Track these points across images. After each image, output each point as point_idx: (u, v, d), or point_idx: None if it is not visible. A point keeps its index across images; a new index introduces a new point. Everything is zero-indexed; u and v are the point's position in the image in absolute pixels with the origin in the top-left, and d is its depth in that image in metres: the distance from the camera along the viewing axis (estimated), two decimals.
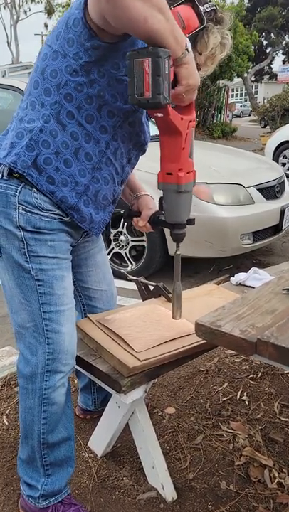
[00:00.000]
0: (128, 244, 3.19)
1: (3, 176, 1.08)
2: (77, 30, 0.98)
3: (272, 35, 30.29)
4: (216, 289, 1.69)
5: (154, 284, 1.61)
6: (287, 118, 13.64)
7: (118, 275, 2.85)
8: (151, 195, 1.39)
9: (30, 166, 1.06)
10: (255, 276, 1.67)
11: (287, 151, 7.70)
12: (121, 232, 3.22)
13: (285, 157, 7.73)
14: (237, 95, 42.56)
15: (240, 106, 34.40)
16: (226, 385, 1.92)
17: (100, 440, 1.50)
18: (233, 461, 1.50)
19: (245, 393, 1.86)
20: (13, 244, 1.11)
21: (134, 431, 1.38)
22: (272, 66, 35.87)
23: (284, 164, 7.59)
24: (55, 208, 1.10)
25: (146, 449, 1.36)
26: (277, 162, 7.34)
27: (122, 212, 2.98)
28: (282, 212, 3.27)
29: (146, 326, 1.36)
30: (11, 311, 1.18)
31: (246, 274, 1.71)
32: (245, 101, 36.36)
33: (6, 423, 1.69)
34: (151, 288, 1.62)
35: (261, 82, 38.61)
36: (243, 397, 1.83)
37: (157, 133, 1.06)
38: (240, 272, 1.79)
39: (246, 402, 1.80)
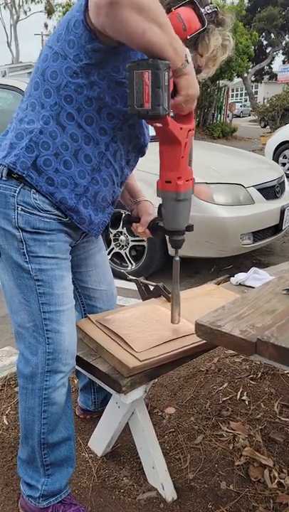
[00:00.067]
0: (128, 244, 3.19)
1: (2, 176, 1.08)
2: (78, 32, 0.98)
3: (272, 35, 30.28)
4: (216, 289, 1.69)
5: (154, 284, 1.61)
6: (287, 118, 13.64)
7: (118, 275, 2.85)
8: (150, 201, 1.40)
9: (30, 167, 1.06)
10: (255, 276, 1.67)
11: (287, 151, 7.70)
12: (121, 232, 3.22)
13: (285, 157, 7.73)
14: (237, 95, 42.56)
15: (240, 106, 34.40)
16: (226, 385, 1.92)
17: (100, 440, 1.50)
18: (233, 461, 1.50)
19: (245, 393, 1.86)
20: (12, 245, 1.11)
21: (134, 431, 1.38)
22: (272, 66, 35.87)
23: (284, 164, 7.59)
24: (54, 208, 1.10)
25: (146, 449, 1.36)
26: (277, 162, 7.34)
27: (122, 212, 3.00)
28: (282, 212, 3.27)
29: (146, 326, 1.36)
30: (11, 311, 1.18)
31: (246, 274, 1.71)
32: (245, 101, 36.36)
33: (6, 423, 1.69)
34: (151, 288, 1.62)
35: (261, 82, 38.61)
36: (243, 397, 1.83)
37: None
38: (240, 272, 1.79)
39: (246, 402, 1.80)
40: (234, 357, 2.13)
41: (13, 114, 1.16)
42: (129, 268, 3.20)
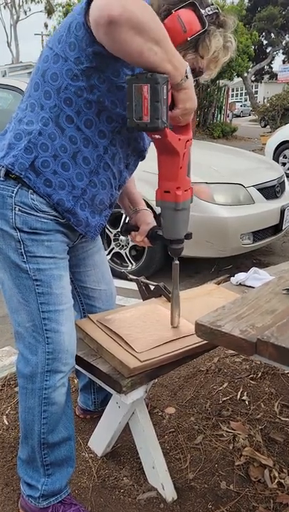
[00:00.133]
0: (128, 244, 3.19)
1: (0, 176, 1.08)
2: (79, 35, 0.98)
3: (273, 35, 30.24)
4: (216, 288, 1.69)
5: (154, 283, 1.61)
6: (287, 118, 13.65)
7: (118, 275, 2.85)
8: (150, 210, 1.40)
9: (28, 169, 1.06)
10: (255, 276, 1.67)
11: (288, 150, 7.70)
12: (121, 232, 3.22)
13: (285, 157, 7.73)
14: (237, 95, 42.54)
15: (241, 105, 34.39)
16: (226, 384, 1.92)
17: (100, 440, 1.50)
18: (233, 461, 1.50)
19: (245, 393, 1.86)
20: (10, 245, 1.11)
21: (134, 431, 1.38)
22: (272, 66, 35.86)
23: (284, 164, 7.58)
24: (52, 209, 1.10)
25: (146, 449, 1.36)
26: (278, 162, 7.34)
27: (122, 212, 3.00)
28: (283, 212, 3.27)
29: (146, 326, 1.36)
30: (11, 310, 1.18)
31: (246, 274, 1.71)
32: (246, 100, 36.33)
33: (6, 423, 1.69)
34: (152, 288, 1.62)
35: (261, 82, 38.58)
36: (243, 397, 1.83)
37: None
38: (241, 271, 1.79)
39: (246, 402, 1.80)
40: (234, 357, 2.13)
41: (13, 114, 1.16)
42: (129, 268, 3.20)
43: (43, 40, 27.83)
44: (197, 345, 1.28)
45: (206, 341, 1.07)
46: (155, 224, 1.34)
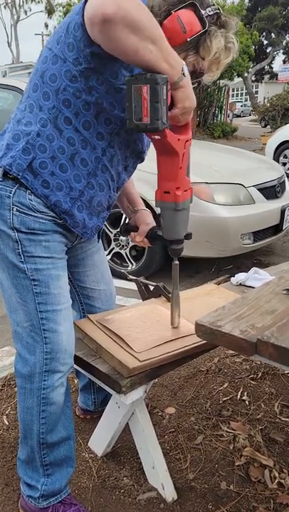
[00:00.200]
0: (128, 244, 3.19)
1: None
2: (77, 36, 0.98)
3: (273, 35, 30.24)
4: (216, 289, 1.68)
5: (154, 284, 1.60)
6: (287, 117, 13.65)
7: (118, 275, 2.85)
8: (148, 210, 1.40)
9: (26, 170, 1.06)
10: (256, 277, 1.67)
11: (288, 150, 7.69)
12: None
13: (285, 157, 7.73)
14: (237, 95, 42.55)
15: (241, 105, 34.39)
16: (226, 385, 1.92)
17: (100, 440, 1.50)
18: (233, 461, 1.50)
19: (245, 393, 1.86)
20: (7, 245, 1.11)
21: (134, 431, 1.37)
22: (272, 66, 35.85)
23: (284, 164, 7.58)
24: (49, 210, 1.10)
25: (146, 449, 1.36)
26: (278, 162, 7.34)
27: (122, 212, 3.00)
28: (283, 212, 3.27)
29: (146, 326, 1.36)
30: (9, 310, 1.18)
31: (246, 274, 1.71)
32: (246, 100, 36.34)
33: (6, 423, 1.69)
34: (152, 288, 1.62)
35: (262, 82, 38.58)
36: (244, 397, 1.83)
37: None
38: (241, 271, 1.79)
39: (246, 402, 1.80)
40: (234, 357, 2.13)
41: (12, 114, 1.15)
42: (129, 268, 3.20)
43: (43, 40, 27.85)
44: (197, 345, 1.28)
45: (205, 341, 1.07)
46: (154, 224, 1.34)
